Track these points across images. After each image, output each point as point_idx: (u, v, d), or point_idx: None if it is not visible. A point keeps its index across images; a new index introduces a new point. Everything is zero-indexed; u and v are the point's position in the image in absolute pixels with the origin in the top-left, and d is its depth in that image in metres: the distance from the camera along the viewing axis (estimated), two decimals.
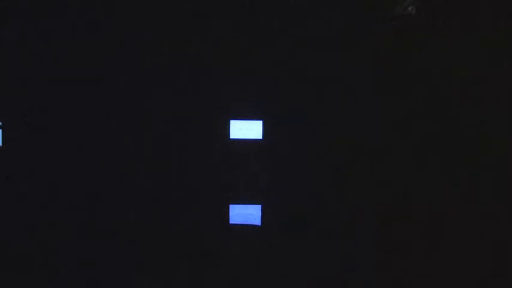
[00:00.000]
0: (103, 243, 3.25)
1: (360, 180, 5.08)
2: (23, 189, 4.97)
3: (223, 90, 5.24)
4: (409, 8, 4.87)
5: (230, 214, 4.25)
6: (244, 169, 5.28)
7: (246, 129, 5.30)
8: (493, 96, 4.73)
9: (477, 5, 4.67)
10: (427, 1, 4.81)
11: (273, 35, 5.13)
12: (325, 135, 5.21)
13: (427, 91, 4.96)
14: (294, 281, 2.60)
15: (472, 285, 2.60)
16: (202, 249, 3.13)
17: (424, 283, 2.60)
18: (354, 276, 2.67)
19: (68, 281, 2.56)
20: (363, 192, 4.98)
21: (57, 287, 2.50)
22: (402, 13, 4.91)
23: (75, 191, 4.92)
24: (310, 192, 5.05)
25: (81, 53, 5.07)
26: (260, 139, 5.31)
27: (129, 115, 5.18)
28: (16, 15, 4.95)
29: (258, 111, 5.30)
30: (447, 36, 4.82)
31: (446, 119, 4.91)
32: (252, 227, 3.76)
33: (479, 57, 4.75)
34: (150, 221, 3.88)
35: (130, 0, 4.95)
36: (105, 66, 5.11)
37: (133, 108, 5.18)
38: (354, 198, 4.86)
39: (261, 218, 4.13)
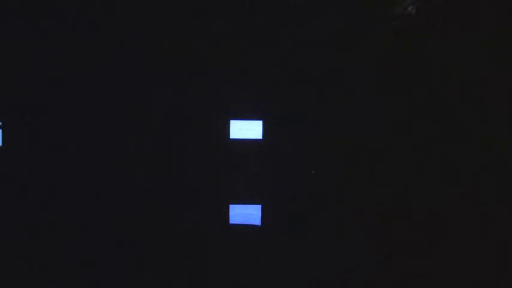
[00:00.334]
0: (103, 243, 3.25)
1: (360, 180, 5.08)
2: (23, 189, 4.97)
3: (223, 90, 5.24)
4: (409, 8, 4.87)
5: (230, 214, 4.25)
6: (244, 169, 5.28)
7: (246, 129, 5.30)
8: (493, 96, 4.73)
9: (477, 5, 4.67)
10: (427, 1, 4.81)
11: (273, 35, 5.13)
12: (325, 135, 5.21)
13: (427, 91, 4.96)
14: (294, 281, 2.60)
15: (472, 285, 2.60)
16: (202, 249, 3.13)
17: (424, 283, 2.60)
18: (354, 276, 2.67)
19: (68, 281, 2.56)
20: (363, 192, 4.98)
21: (57, 287, 2.50)
22: (402, 13, 4.91)
23: (75, 191, 4.92)
24: (310, 192, 5.05)
25: (81, 53, 5.07)
26: (260, 139, 5.31)
27: (129, 115, 5.18)
28: (16, 15, 4.95)
29: (258, 111, 5.30)
30: (447, 36, 4.82)
31: (446, 119, 4.91)
32: (252, 227, 3.76)
33: (479, 57, 4.75)
34: (150, 221, 3.88)
35: (130, 0, 4.95)
36: (105, 66, 5.11)
37: (133, 108, 5.18)
38: (354, 198, 4.85)
39: (261, 218, 4.13)
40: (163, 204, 4.63)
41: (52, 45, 5.03)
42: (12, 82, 5.06)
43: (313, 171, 5.12)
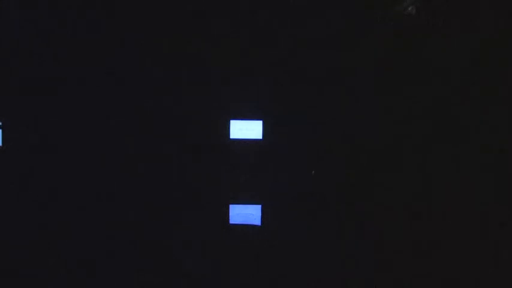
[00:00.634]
0: (103, 243, 3.25)
1: (359, 180, 5.08)
2: (23, 189, 4.97)
3: (223, 90, 5.24)
4: (409, 8, 4.87)
5: (230, 214, 4.25)
6: (244, 169, 5.28)
7: (246, 129, 5.30)
8: (493, 96, 4.73)
9: (477, 5, 4.67)
10: (427, 1, 4.81)
11: (273, 35, 5.13)
12: (325, 135, 5.21)
13: (427, 91, 4.96)
14: (294, 281, 2.60)
15: (472, 285, 2.60)
16: (202, 249, 3.13)
17: (424, 283, 2.60)
18: (354, 276, 2.67)
19: (68, 281, 2.56)
20: (363, 192, 4.98)
21: (57, 287, 2.50)
22: (402, 13, 4.91)
23: (75, 191, 4.92)
24: (310, 192, 5.05)
25: (81, 53, 5.07)
26: (260, 139, 5.31)
27: (129, 115, 5.18)
28: (16, 15, 4.95)
29: (258, 111, 5.30)
30: (447, 36, 4.82)
31: (446, 119, 4.91)
32: (252, 227, 3.76)
33: (479, 57, 4.75)
34: (150, 221, 3.88)
35: (130, 0, 4.95)
36: (105, 66, 5.11)
37: (133, 108, 5.18)
38: (354, 198, 4.85)
39: (261, 218, 4.13)
40: (163, 204, 4.63)
41: (52, 45, 5.03)
42: (12, 82, 5.06)
43: (313, 172, 5.12)
